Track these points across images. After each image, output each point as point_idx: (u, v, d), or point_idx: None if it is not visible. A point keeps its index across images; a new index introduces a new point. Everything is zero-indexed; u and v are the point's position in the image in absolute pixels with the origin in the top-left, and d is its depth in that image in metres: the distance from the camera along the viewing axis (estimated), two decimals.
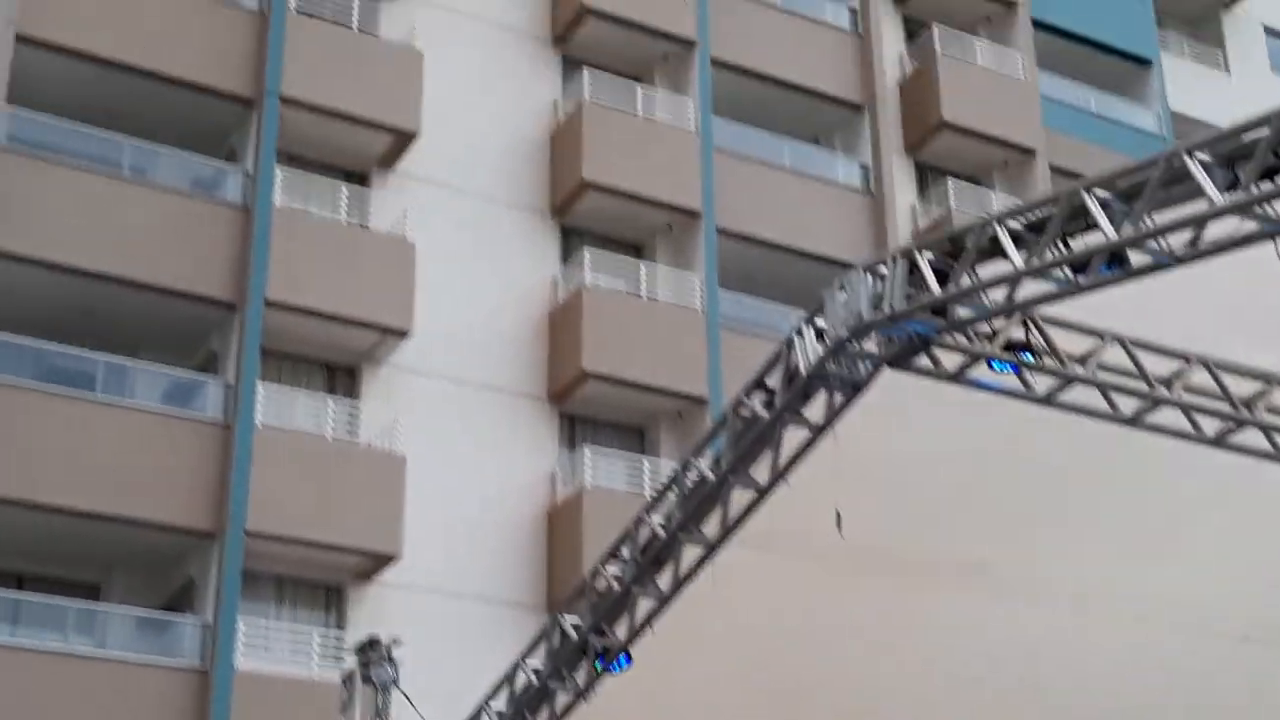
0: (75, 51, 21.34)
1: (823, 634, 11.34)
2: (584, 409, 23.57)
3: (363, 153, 23.23)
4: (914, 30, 29.37)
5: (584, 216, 24.60)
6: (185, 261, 20.97)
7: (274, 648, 20.34)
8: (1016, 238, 9.79)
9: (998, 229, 9.76)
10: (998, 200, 27.56)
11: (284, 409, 21.12)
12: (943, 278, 10.04)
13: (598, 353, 22.97)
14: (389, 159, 23.32)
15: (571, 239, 24.73)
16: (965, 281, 9.87)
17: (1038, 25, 30.02)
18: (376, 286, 21.95)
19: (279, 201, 21.76)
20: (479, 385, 22.83)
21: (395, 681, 12.52)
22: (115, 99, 21.88)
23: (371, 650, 12.64)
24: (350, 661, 12.97)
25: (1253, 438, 10.34)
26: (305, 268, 21.52)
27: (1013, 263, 9.69)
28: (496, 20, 25.33)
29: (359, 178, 23.34)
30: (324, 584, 21.19)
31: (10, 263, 19.99)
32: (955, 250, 10.09)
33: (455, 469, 22.12)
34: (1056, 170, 28.15)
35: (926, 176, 28.29)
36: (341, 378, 22.33)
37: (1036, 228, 9.78)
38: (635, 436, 24.05)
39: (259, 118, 22.05)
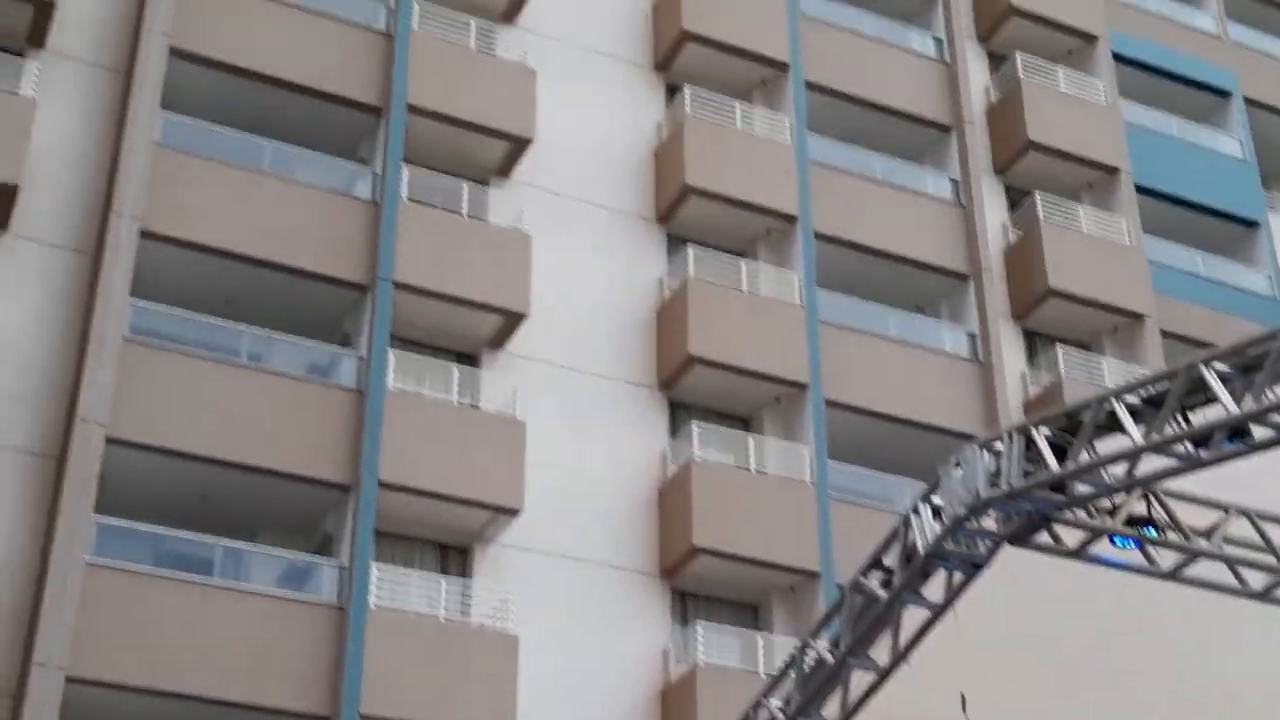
0: (196, 245, 22.02)
1: None
2: (696, 584, 23.42)
3: (473, 334, 23.62)
4: (1016, 198, 29.50)
5: (691, 391, 24.72)
6: (301, 445, 21.31)
7: None
8: (1135, 412, 9.73)
9: (1115, 404, 9.71)
10: (1108, 366, 27.33)
11: (397, 589, 21.19)
12: (1060, 453, 9.98)
13: (708, 527, 22.88)
14: (499, 339, 23.68)
15: (679, 413, 24.83)
16: (1084, 457, 9.80)
17: (1141, 190, 30.03)
18: (487, 466, 22.13)
19: (392, 384, 22.12)
20: (591, 562, 22.81)
21: None
22: (234, 288, 22.51)
23: None
24: None
25: None
26: (417, 449, 21.76)
27: (1132, 438, 9.62)
28: (602, 201, 25.82)
29: (469, 358, 23.69)
30: None
31: (131, 450, 20.41)
32: (1072, 425, 10.05)
33: (567, 647, 22.00)
34: (1168, 335, 27.94)
35: (1035, 343, 28.16)
36: (454, 557, 22.40)
37: (1155, 402, 9.71)
38: (748, 612, 23.80)
39: (373, 302, 22.54)
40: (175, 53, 22.98)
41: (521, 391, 23.19)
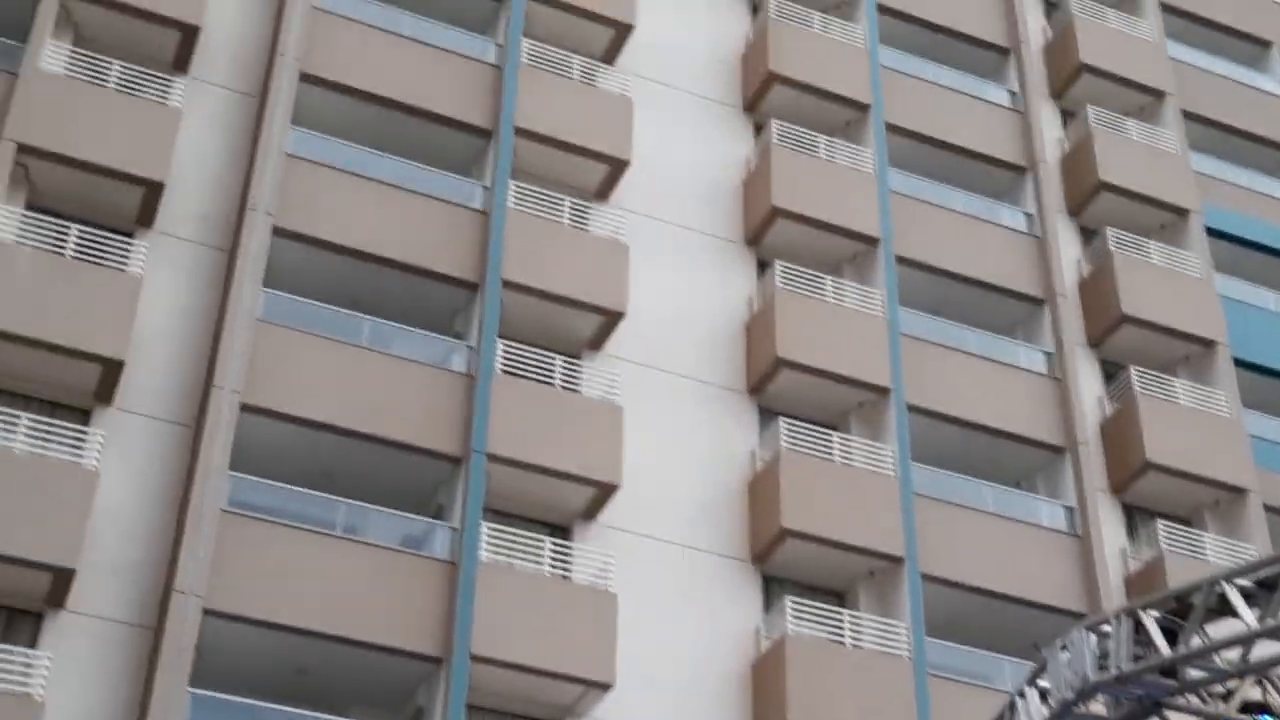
0: (295, 418, 22.33)
1: None
2: None
3: (566, 505, 23.63)
4: (1111, 371, 29.30)
5: (785, 564, 24.50)
6: (394, 617, 21.29)
7: None
8: (1247, 595, 9.52)
9: (1227, 587, 9.52)
10: (1210, 542, 26.80)
11: None
12: (1170, 636, 9.77)
13: (803, 705, 22.47)
14: (591, 510, 23.68)
15: (773, 587, 24.60)
16: (1196, 641, 9.59)
17: (1239, 363, 29.73)
18: (579, 639, 21.97)
19: (484, 555, 22.13)
20: None
21: None
22: (330, 460, 22.76)
23: None
24: None
25: None
26: (509, 621, 21.65)
27: (1245, 622, 9.40)
28: (694, 374, 25.93)
29: (562, 530, 23.69)
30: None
31: (227, 622, 20.50)
32: (1182, 607, 9.85)
33: None
34: (1271, 509, 27.43)
35: (1134, 518, 27.71)
36: None
37: (1268, 584, 9.51)
38: None
39: (466, 475, 22.66)
40: (277, 231, 23.58)
41: (614, 563, 23.10)
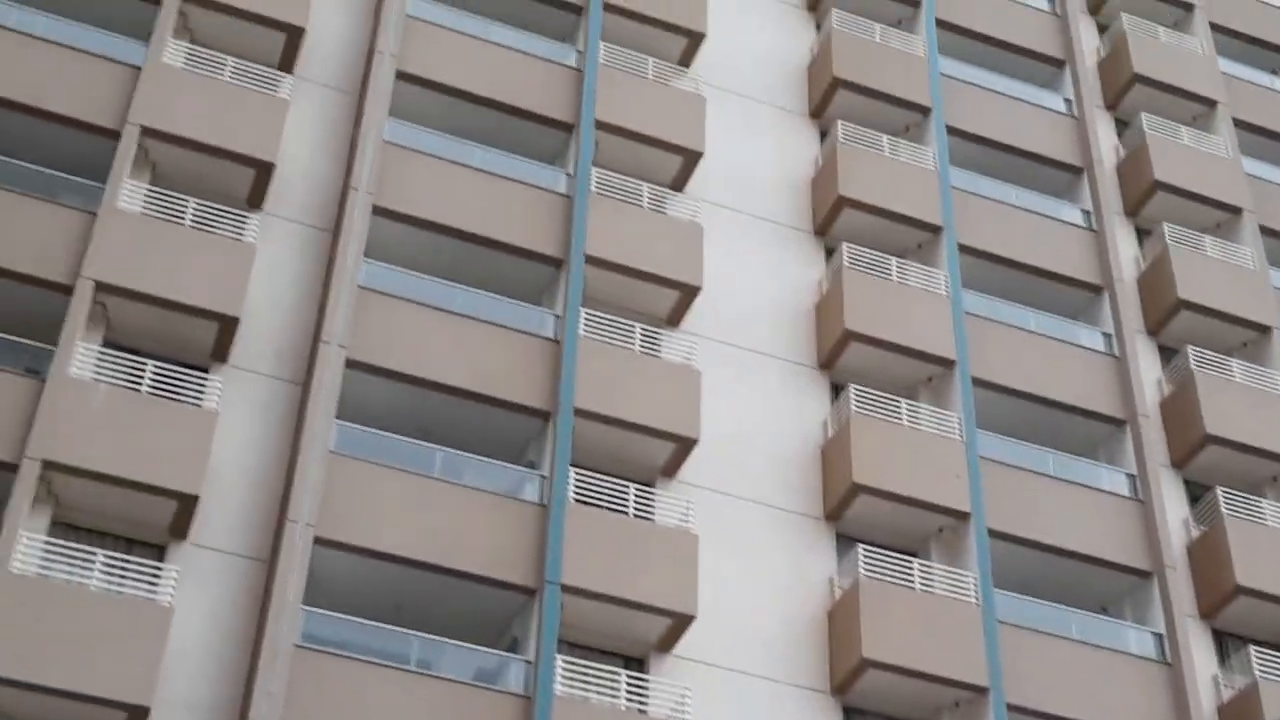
0: (368, 550, 22.16)
1: None
2: None
3: (642, 637, 23.26)
4: (1197, 493, 28.68)
5: (866, 695, 23.97)
6: None
7: None
8: None
9: None
10: None
11: None
12: None
13: None
14: (667, 642, 23.28)
15: (854, 718, 24.03)
16: None
17: None
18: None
19: (559, 689, 21.75)
20: None
21: None
22: (403, 592, 22.56)
23: None
24: None
25: None
26: None
27: None
28: (769, 500, 25.63)
29: (637, 662, 23.29)
30: None
31: None
32: None
33: None
34: None
35: (1225, 644, 26.93)
36: None
37: None
38: None
39: (540, 606, 22.34)
40: (350, 364, 23.60)
41: (691, 696, 22.64)
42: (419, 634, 22.11)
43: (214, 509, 22.05)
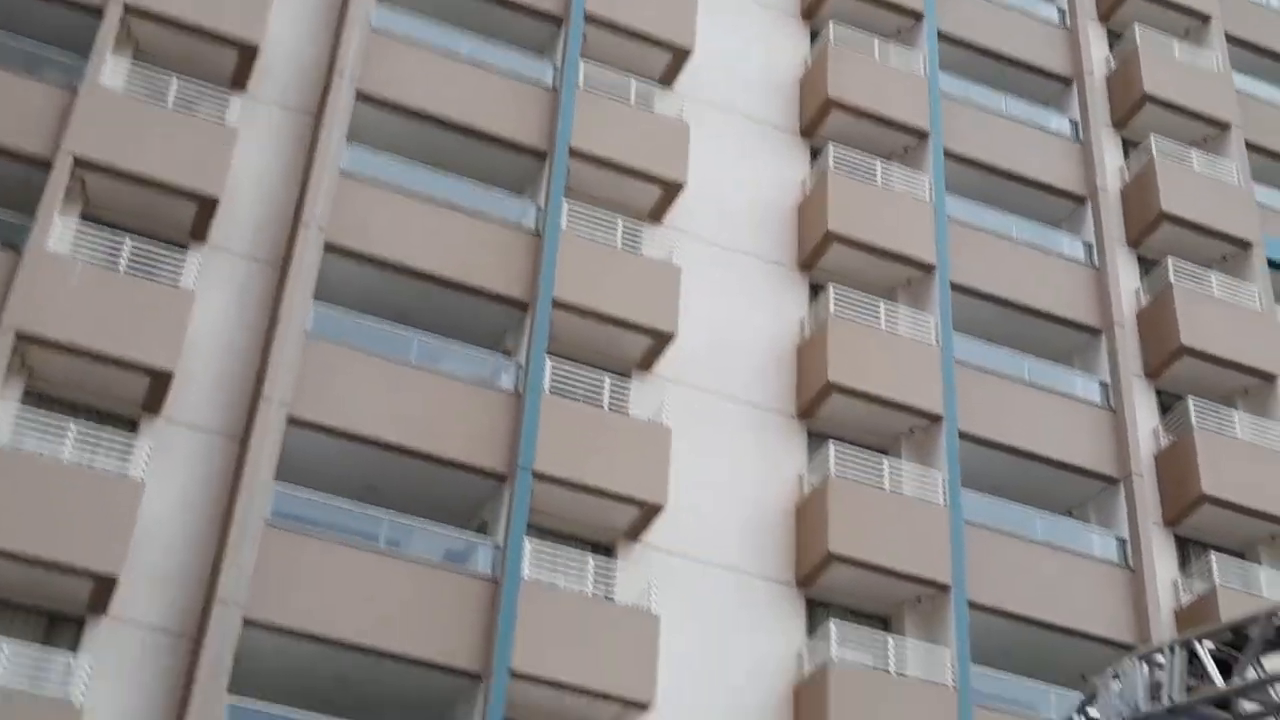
0: (341, 432, 22.31)
1: None
2: None
3: (610, 525, 23.51)
4: (1168, 403, 28.90)
5: (830, 589, 24.29)
6: (434, 631, 21.22)
7: None
8: None
9: None
10: (1266, 578, 26.34)
11: None
12: (1225, 668, 9.52)
13: None
14: (635, 531, 23.54)
15: (817, 611, 24.37)
16: (1251, 674, 9.34)
17: None
18: (619, 658, 21.83)
19: (527, 573, 22.02)
20: None
21: None
22: (375, 474, 22.74)
23: None
24: None
25: None
26: (550, 639, 21.55)
27: None
28: (743, 397, 25.78)
29: (605, 549, 23.55)
30: None
31: (267, 633, 20.48)
32: (1238, 639, 9.60)
33: None
34: None
35: (1188, 550, 27.28)
36: None
37: None
38: None
39: (511, 492, 22.57)
40: (329, 247, 23.61)
41: (657, 584, 22.95)
42: (389, 514, 22.33)
43: (188, 386, 22.15)
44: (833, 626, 23.47)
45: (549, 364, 23.96)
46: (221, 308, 23.07)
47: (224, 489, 21.51)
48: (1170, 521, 27.19)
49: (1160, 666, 9.79)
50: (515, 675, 21.10)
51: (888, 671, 23.35)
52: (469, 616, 21.47)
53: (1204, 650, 9.34)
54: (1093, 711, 9.97)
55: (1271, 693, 9.28)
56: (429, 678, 21.24)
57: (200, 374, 22.36)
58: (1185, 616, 25.81)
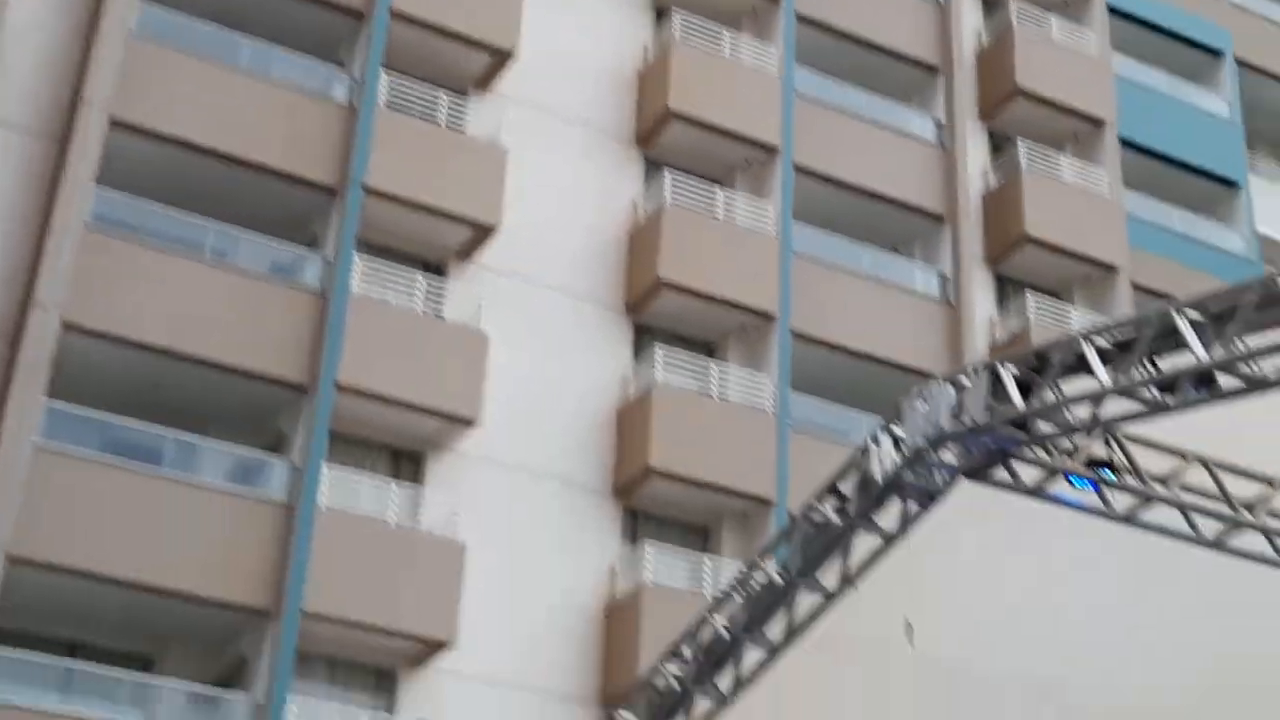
0: (166, 136, 21.64)
1: None
2: (648, 505, 23.41)
3: (441, 244, 23.37)
4: (999, 144, 29.28)
5: (658, 315, 24.58)
6: (260, 343, 21.09)
7: None
8: (1103, 355, 9.60)
9: (1084, 346, 9.58)
10: (1078, 317, 27.28)
11: (348, 492, 21.11)
12: (1025, 391, 9.86)
13: (665, 450, 22.83)
14: (467, 251, 23.45)
15: (644, 336, 24.70)
16: (1049, 396, 9.68)
17: (1125, 144, 29.83)
18: (447, 375, 21.98)
19: (356, 288, 21.87)
20: (544, 477, 22.75)
21: None
22: (202, 183, 22.14)
23: None
24: None
25: None
26: (377, 354, 21.58)
27: (1099, 380, 9.49)
28: (582, 119, 25.48)
29: (436, 268, 23.46)
30: (377, 668, 21.05)
31: (86, 337, 20.17)
32: (1040, 365, 9.92)
33: (515, 560, 22.01)
34: (1139, 289, 27.88)
35: (1006, 289, 28.07)
36: (406, 464, 22.30)
37: (1124, 346, 9.58)
38: (699, 535, 23.83)
39: (342, 206, 22.23)
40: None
41: (487, 304, 23.01)
42: (215, 223, 21.88)
43: (5, 84, 21.19)
44: (658, 350, 23.84)
45: (385, 78, 23.34)
46: (38, 1, 21.95)
47: (43, 192, 20.80)
48: (992, 260, 27.87)
49: (965, 389, 10.10)
50: (341, 388, 21.14)
51: (710, 396, 23.87)
52: (295, 329, 21.34)
53: (1007, 374, 9.65)
54: (898, 430, 10.31)
55: (1067, 414, 9.68)
56: (252, 389, 21.18)
57: (18, 71, 21.38)
58: (999, 353, 26.68)
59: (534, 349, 23.51)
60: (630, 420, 23.36)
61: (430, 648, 20.74)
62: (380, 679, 21.12)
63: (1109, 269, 28.07)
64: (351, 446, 21.83)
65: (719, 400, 23.89)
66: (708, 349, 25.04)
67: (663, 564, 22.71)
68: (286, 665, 19.57)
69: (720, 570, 22.72)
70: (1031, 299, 27.25)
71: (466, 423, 21.91)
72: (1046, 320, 26.89)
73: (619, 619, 22.05)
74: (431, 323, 22.43)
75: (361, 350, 21.40)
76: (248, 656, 20.15)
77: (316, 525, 20.21)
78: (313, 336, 21.35)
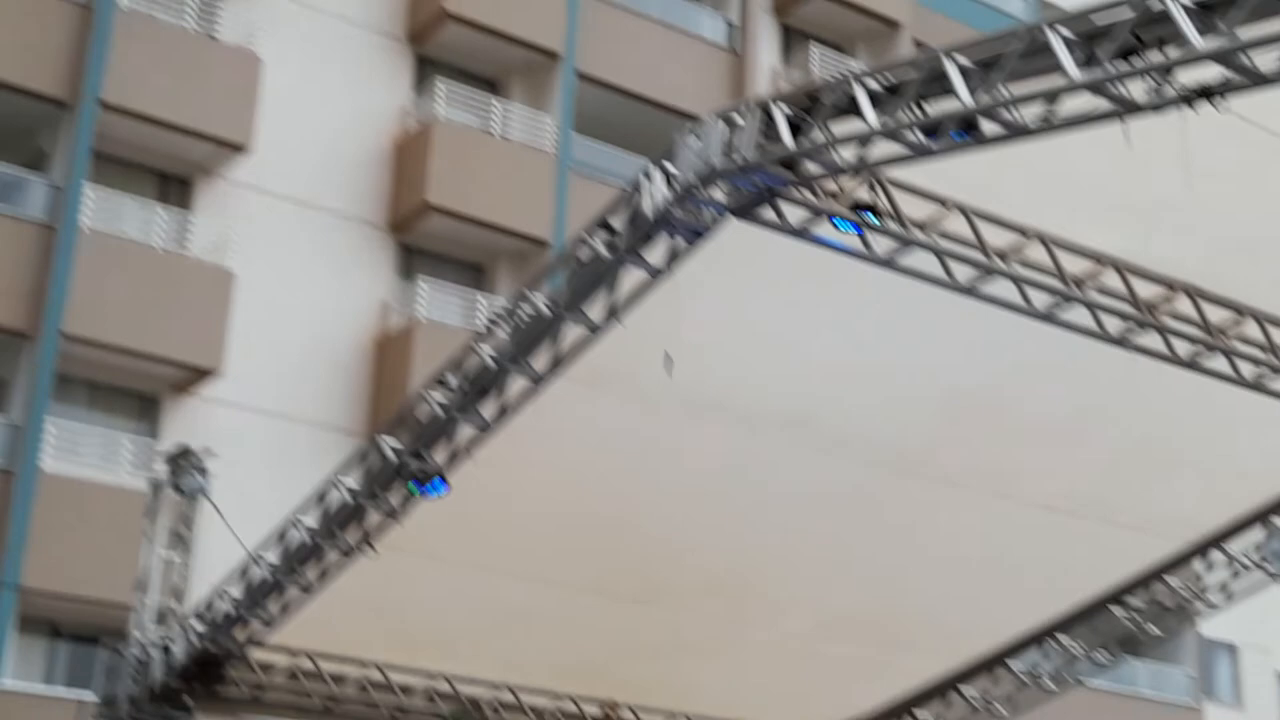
0: None
1: (646, 476, 11.35)
2: (424, 241, 23.24)
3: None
4: None
5: (441, 47, 24.02)
6: (18, 55, 20.00)
7: (83, 453, 19.89)
8: (874, 98, 9.67)
9: (855, 87, 9.64)
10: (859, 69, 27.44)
11: (112, 214, 20.45)
12: (798, 132, 9.92)
13: (443, 186, 22.60)
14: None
15: (426, 69, 24.15)
16: (818, 137, 9.76)
17: None
18: (218, 98, 21.22)
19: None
20: (317, 208, 22.34)
21: (204, 491, 12.27)
22: None
23: (182, 459, 12.35)
24: (160, 470, 12.68)
25: (1080, 315, 10.48)
26: (145, 72, 20.70)
27: (867, 121, 9.59)
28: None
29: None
30: (140, 394, 20.72)
31: None
32: (812, 106, 9.97)
33: (286, 289, 21.70)
34: (921, 46, 28.12)
35: (792, 41, 28.10)
36: (174, 188, 21.65)
37: (895, 90, 9.67)
38: (474, 273, 23.82)
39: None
40: None
41: (263, 26, 22.17)
42: None
43: None
44: (439, 83, 23.34)
45: None
46: None
47: None
48: (779, 10, 27.76)
49: (738, 127, 10.09)
50: (105, 106, 20.27)
51: (491, 134, 23.55)
52: (56, 41, 20.35)
53: (779, 113, 9.65)
54: (670, 167, 10.30)
55: (834, 155, 9.76)
56: (10, 103, 20.21)
57: None
58: (779, 92, 26.77)
59: (311, 75, 22.82)
60: (408, 154, 22.98)
61: (195, 375, 20.47)
62: (143, 405, 20.82)
63: (891, 24, 28.25)
64: (117, 168, 21.07)
65: (500, 139, 23.60)
66: (491, 86, 24.61)
67: (437, 300, 22.69)
68: (44, 388, 19.17)
69: (494, 308, 22.78)
70: (816, 51, 27.35)
71: (237, 148, 21.26)
72: (830, 73, 26.97)
73: (391, 353, 22.02)
74: (204, 42, 21.55)
75: (128, 67, 20.50)
76: (6, 378, 19.62)
77: (78, 247, 19.56)
78: (76, 50, 20.32)
